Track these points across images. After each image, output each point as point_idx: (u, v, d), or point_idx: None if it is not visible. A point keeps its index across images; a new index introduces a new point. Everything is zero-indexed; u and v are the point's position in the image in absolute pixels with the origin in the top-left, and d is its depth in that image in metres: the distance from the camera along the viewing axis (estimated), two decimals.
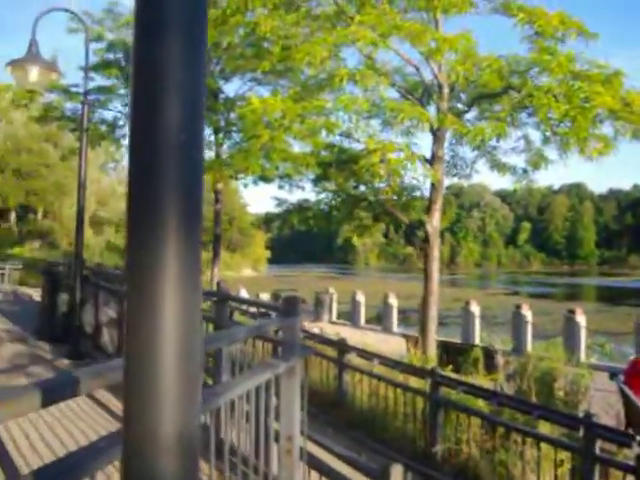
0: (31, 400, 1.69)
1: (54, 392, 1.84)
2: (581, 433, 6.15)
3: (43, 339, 11.47)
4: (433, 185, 13.08)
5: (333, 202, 15.30)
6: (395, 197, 14.61)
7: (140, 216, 1.00)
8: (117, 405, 6.55)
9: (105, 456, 1.94)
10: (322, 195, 15.50)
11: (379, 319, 24.59)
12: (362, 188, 14.96)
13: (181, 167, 1.01)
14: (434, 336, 13.21)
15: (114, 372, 2.15)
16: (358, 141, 13.16)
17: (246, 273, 70.29)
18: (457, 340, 18.95)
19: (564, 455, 6.58)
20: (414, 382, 8.59)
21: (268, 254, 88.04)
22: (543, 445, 6.59)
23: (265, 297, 21.77)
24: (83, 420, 6.24)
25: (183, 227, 1.00)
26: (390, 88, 12.92)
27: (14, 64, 10.27)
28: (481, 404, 7.88)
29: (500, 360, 11.61)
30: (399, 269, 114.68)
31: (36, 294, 19.18)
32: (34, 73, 10.26)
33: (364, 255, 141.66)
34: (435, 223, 12.97)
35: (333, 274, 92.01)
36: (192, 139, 1.02)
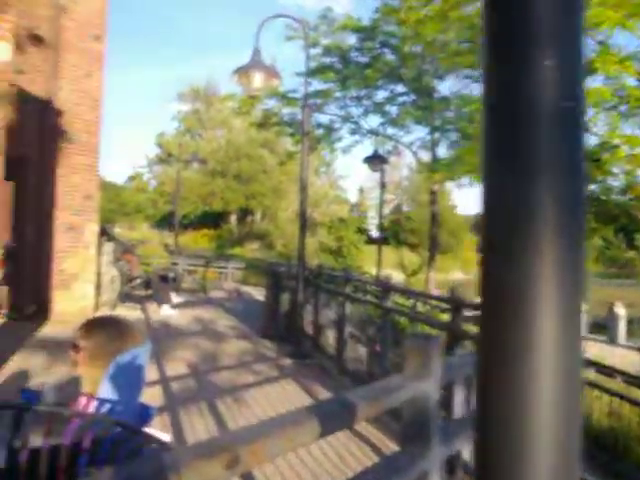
0: (311, 430, 1.47)
1: (331, 420, 1.60)
2: None
3: (266, 337, 11.81)
4: None
5: None
6: (631, 197, 13.30)
7: (501, 216, 0.68)
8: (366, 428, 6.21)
9: None
10: None
11: (597, 328, 22.85)
12: (592, 187, 13.84)
13: (560, 149, 0.67)
14: None
15: (391, 395, 1.90)
16: (596, 135, 12.12)
17: (456, 276, 69.34)
18: None
19: None
20: None
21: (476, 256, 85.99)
22: None
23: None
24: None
25: (563, 233, 0.66)
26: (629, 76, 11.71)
27: (240, 71, 10.68)
28: None
29: None
30: (619, 274, 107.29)
31: (256, 293, 20.04)
32: (258, 79, 10.62)
33: None
34: None
35: None
36: (576, 107, 0.68)
